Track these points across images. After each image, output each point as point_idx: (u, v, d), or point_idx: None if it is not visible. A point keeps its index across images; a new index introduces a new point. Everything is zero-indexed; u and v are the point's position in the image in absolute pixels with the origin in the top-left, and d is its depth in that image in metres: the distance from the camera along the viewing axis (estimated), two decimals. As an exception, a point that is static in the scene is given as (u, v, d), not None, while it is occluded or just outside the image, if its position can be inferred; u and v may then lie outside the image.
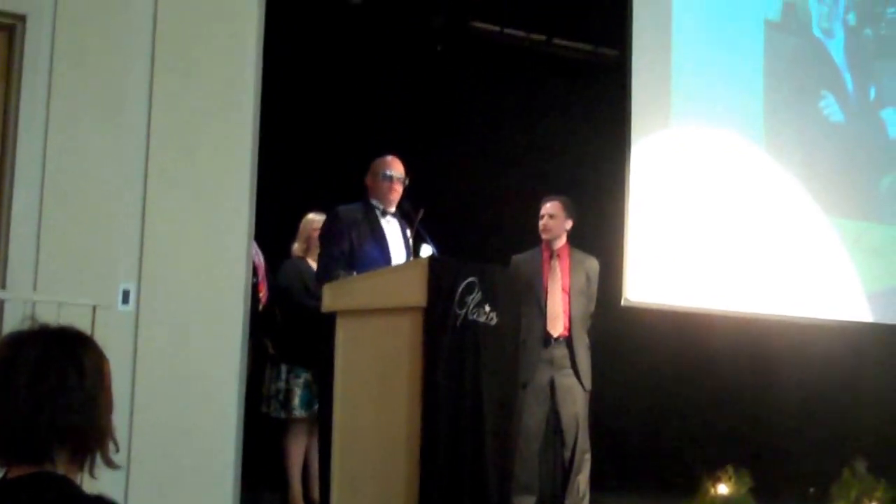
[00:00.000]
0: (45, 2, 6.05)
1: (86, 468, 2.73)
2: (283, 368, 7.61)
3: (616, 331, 8.96)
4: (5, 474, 2.64)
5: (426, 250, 6.72)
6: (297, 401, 7.56)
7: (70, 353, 2.71)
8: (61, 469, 2.64)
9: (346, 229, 6.80)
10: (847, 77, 9.79)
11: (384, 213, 6.98)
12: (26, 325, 2.77)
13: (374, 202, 7.01)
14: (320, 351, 6.31)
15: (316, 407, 7.26)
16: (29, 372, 2.63)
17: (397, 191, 7.01)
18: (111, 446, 2.75)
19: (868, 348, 9.77)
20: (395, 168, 7.05)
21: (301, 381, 7.56)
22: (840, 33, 9.87)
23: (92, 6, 6.16)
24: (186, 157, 6.39)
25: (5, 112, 6.03)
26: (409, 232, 6.99)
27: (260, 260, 7.69)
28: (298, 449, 7.72)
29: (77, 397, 2.66)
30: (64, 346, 2.72)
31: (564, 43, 11.31)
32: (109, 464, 2.75)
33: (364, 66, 10.01)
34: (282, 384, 7.60)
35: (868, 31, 10.00)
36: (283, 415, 7.61)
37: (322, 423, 6.44)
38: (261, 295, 7.74)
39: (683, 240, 8.87)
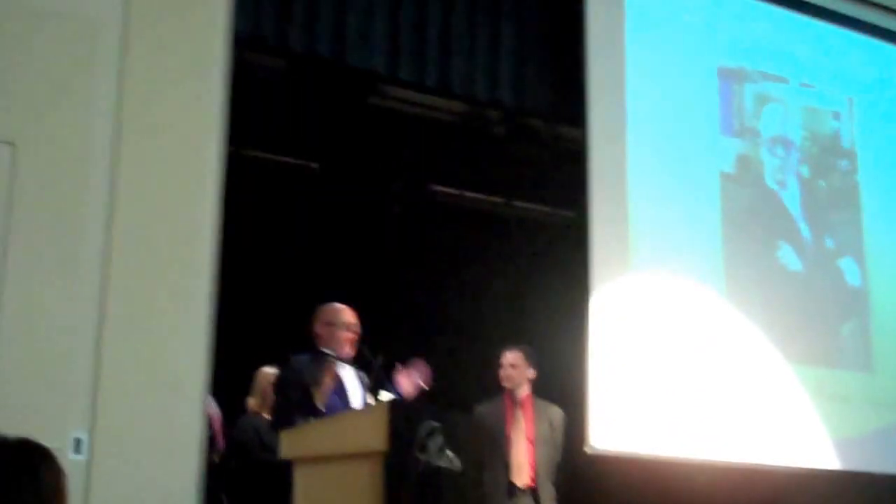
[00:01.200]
0: (2, 153, 6.01)
1: None
2: (240, 527, 7.50)
3: (583, 480, 8.83)
4: None
5: (385, 398, 6.67)
6: (255, 560, 7.42)
7: (27, 466, 2.70)
8: None
9: (301, 378, 6.75)
10: (803, 227, 9.86)
11: (337, 360, 6.92)
12: None
13: (328, 350, 6.86)
14: (278, 505, 6.19)
15: (274, 566, 7.12)
16: None
17: (352, 339, 6.90)
18: None
19: (836, 496, 9.67)
20: (350, 316, 6.96)
21: (259, 541, 7.43)
22: (794, 185, 9.96)
23: (49, 157, 6.14)
24: (142, 307, 6.31)
25: (-44, 263, 5.97)
26: (366, 378, 6.92)
27: (214, 411, 7.62)
28: None
29: None
30: (21, 459, 2.71)
31: (523, 205, 11.47)
32: None
33: (323, 228, 10.09)
34: (239, 545, 7.48)
35: (822, 183, 10.12)
36: (239, 576, 7.47)
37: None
38: (218, 444, 7.66)
39: (646, 387, 8.72)
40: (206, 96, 6.77)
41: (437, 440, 5.90)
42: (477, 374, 9.11)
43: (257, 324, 9.04)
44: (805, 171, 10.08)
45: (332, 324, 6.94)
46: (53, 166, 6.17)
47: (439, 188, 11.17)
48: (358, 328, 6.96)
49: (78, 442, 5.99)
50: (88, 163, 6.30)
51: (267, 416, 7.68)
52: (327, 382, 6.66)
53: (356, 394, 6.85)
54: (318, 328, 6.97)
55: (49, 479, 2.72)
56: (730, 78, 9.82)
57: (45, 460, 2.75)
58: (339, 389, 6.78)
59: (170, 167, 6.57)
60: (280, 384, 6.94)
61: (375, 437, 5.70)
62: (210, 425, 7.12)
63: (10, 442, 2.74)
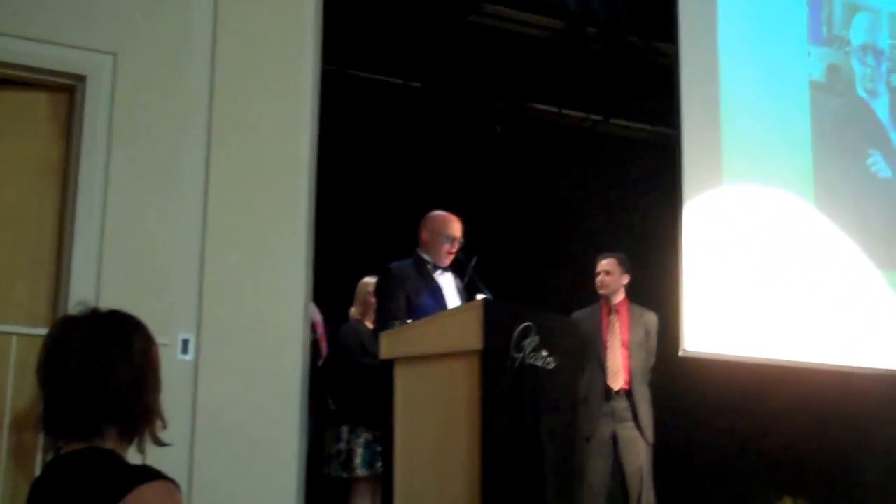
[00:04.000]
0: (104, 63, 6.01)
1: (134, 444, 2.76)
2: (344, 429, 7.45)
3: (676, 383, 8.80)
4: (58, 450, 2.70)
5: (480, 298, 6.60)
6: (358, 460, 7.37)
7: (118, 334, 2.73)
8: (110, 445, 2.69)
9: (400, 285, 6.69)
10: (893, 135, 9.67)
11: (436, 268, 6.86)
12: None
13: (427, 257, 6.88)
14: (381, 409, 6.15)
15: (378, 465, 7.12)
16: (79, 352, 2.70)
17: (454, 252, 6.89)
18: (159, 424, 2.77)
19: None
20: (457, 230, 6.93)
21: (362, 440, 7.38)
22: (884, 94, 9.74)
23: (149, 67, 6.11)
24: (243, 215, 6.27)
25: (66, 170, 5.98)
26: (460, 282, 6.88)
27: (318, 318, 7.62)
28: (363, 508, 7.58)
29: (124, 377, 2.69)
30: (113, 329, 2.74)
31: (621, 122, 11.36)
32: (157, 441, 2.77)
33: (427, 145, 10.09)
34: (343, 444, 7.43)
35: (912, 92, 9.92)
36: (344, 474, 7.42)
37: (385, 480, 6.24)
38: (322, 349, 7.67)
39: (739, 292, 8.64)
40: (300, 10, 6.70)
41: (532, 339, 5.85)
42: (574, 282, 9.04)
43: (361, 238, 9.04)
44: (894, 79, 9.85)
45: (438, 233, 6.92)
46: (153, 77, 6.14)
47: (539, 106, 11.06)
48: (460, 241, 6.93)
49: (185, 343, 6.01)
50: (187, 75, 6.27)
51: (368, 323, 7.65)
52: None
53: (452, 298, 6.81)
54: (424, 234, 6.97)
55: (139, 345, 2.74)
56: (818, -14, 9.62)
57: (136, 329, 2.77)
58: (436, 293, 6.74)
59: (267, 78, 6.53)
60: (380, 293, 6.92)
61: (471, 336, 5.70)
62: (313, 330, 7.11)
63: (103, 313, 2.76)
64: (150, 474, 2.56)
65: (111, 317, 2.76)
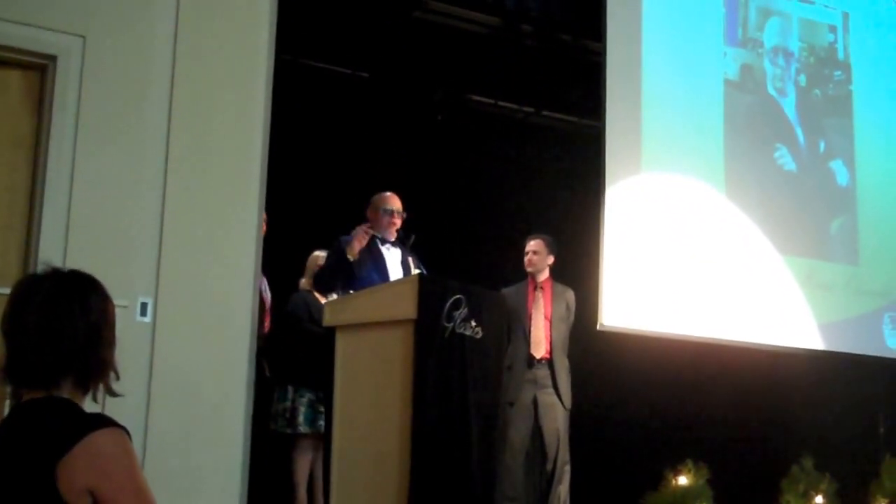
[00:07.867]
0: (74, 44, 6.02)
1: (90, 395, 2.75)
2: (289, 389, 7.52)
3: (593, 354, 8.94)
4: (20, 398, 2.70)
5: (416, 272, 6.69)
6: (301, 418, 7.46)
7: (77, 292, 2.73)
8: (67, 394, 2.69)
9: (344, 252, 6.83)
10: (799, 131, 9.85)
11: (384, 242, 6.96)
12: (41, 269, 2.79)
13: (373, 232, 6.97)
14: (323, 372, 6.22)
15: (319, 423, 7.20)
16: (39, 308, 2.68)
17: (396, 224, 7.04)
18: (112, 376, 2.77)
19: (818, 372, 9.84)
20: (395, 203, 7.08)
21: (305, 400, 7.47)
22: (792, 93, 9.94)
23: (116, 49, 6.11)
24: (200, 190, 6.28)
25: (37, 142, 5.98)
26: (410, 259, 6.97)
27: (267, 295, 7.66)
28: (304, 463, 7.60)
29: (81, 332, 2.69)
30: (72, 287, 2.74)
31: (551, 114, 11.44)
32: (110, 392, 2.79)
33: (373, 130, 10.14)
34: (288, 403, 7.51)
35: (817, 92, 10.08)
36: (288, 430, 7.51)
37: (325, 437, 6.32)
38: (264, 326, 7.68)
39: (653, 272, 8.84)
40: (257, 1, 6.73)
41: (462, 311, 5.95)
42: (504, 260, 9.13)
43: (310, 215, 9.06)
44: (802, 80, 10.06)
45: (378, 208, 7.10)
46: (119, 58, 6.16)
47: (477, 97, 11.13)
48: (401, 213, 7.08)
49: (144, 306, 6.03)
50: (150, 57, 6.28)
51: (317, 294, 7.70)
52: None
53: (397, 273, 6.92)
54: (369, 212, 7.15)
55: (96, 303, 2.74)
56: (735, -9, 9.80)
57: (93, 287, 2.77)
58: (380, 266, 6.84)
59: (225, 65, 6.52)
60: (329, 253, 7.13)
61: (406, 307, 5.84)
62: (261, 305, 7.13)
63: (64, 272, 2.76)
64: (103, 421, 2.58)
65: (71, 276, 2.76)
